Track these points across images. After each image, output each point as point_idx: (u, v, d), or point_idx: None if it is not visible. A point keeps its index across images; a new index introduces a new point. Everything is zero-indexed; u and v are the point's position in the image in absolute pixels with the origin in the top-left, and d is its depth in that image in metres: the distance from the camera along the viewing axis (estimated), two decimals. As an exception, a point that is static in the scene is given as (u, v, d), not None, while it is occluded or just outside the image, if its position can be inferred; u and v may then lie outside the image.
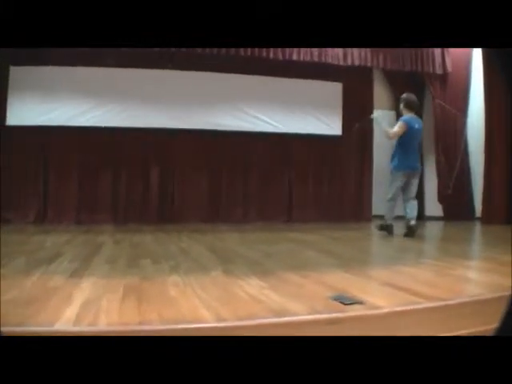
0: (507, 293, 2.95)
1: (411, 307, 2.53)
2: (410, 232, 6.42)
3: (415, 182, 6.72)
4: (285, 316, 2.31)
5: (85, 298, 2.68)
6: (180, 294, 2.80)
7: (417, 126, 6.62)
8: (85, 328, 2.15)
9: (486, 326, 2.59)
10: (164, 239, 6.05)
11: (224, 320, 2.27)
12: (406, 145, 6.55)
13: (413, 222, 6.45)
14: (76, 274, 3.45)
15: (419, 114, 6.81)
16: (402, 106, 6.82)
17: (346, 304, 2.52)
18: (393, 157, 6.76)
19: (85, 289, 2.93)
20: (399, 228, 6.67)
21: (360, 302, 2.54)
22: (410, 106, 6.71)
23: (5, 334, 1.92)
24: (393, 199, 6.72)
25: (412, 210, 6.58)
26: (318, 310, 2.38)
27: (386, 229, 6.72)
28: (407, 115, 6.66)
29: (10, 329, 2.01)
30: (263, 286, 2.99)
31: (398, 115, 10.14)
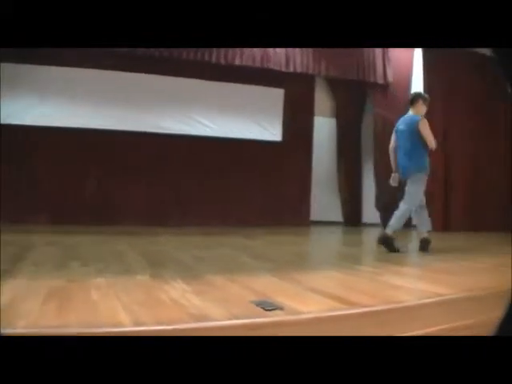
0: (430, 300, 3.01)
1: (330, 313, 2.54)
2: (423, 246, 5.81)
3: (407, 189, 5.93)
4: (203, 321, 2.29)
5: (5, 301, 2.61)
6: (102, 297, 2.76)
7: (401, 126, 5.99)
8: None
9: (408, 332, 2.63)
10: (98, 241, 5.97)
11: (142, 324, 2.23)
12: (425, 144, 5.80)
13: (425, 235, 5.87)
14: (2, 275, 3.36)
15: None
16: (421, 101, 5.93)
17: (267, 310, 2.51)
18: (411, 157, 5.83)
19: (6, 291, 2.86)
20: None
21: (281, 308, 2.54)
22: (410, 102, 6.03)
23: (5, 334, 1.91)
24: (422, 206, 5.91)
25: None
26: (237, 316, 2.37)
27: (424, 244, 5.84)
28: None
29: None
30: (187, 291, 2.97)
31: (339, 122, 10.33)
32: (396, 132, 6.01)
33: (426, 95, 6.03)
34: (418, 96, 5.99)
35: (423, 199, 5.89)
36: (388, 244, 5.64)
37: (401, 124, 5.97)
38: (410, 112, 5.94)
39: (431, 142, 5.72)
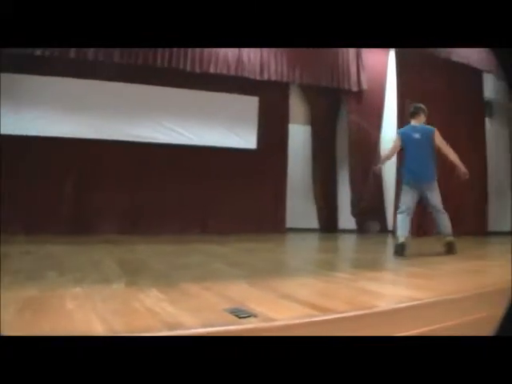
0: (404, 305, 3.04)
1: (304, 320, 2.55)
2: (449, 249, 5.94)
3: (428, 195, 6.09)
4: (177, 329, 2.29)
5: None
6: (77, 307, 2.74)
7: (416, 135, 6.09)
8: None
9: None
10: (76, 251, 5.92)
11: (116, 333, 2.23)
12: (405, 155, 6.19)
13: (449, 238, 5.98)
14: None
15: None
16: (423, 115, 6.22)
17: (241, 317, 2.51)
18: (428, 165, 6.09)
19: (-21, 302, 2.84)
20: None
21: (255, 315, 2.54)
22: (410, 114, 6.27)
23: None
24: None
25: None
26: (211, 323, 2.37)
27: (399, 249, 5.84)
28: (407, 125, 6.29)
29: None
30: (162, 299, 2.96)
31: (314, 130, 10.38)
32: (406, 140, 6.14)
33: (425, 107, 6.25)
34: (420, 109, 6.20)
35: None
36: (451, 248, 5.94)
37: (414, 133, 6.10)
38: (414, 123, 6.17)
39: (451, 151, 6.07)
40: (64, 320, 2.46)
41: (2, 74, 7.71)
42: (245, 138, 9.65)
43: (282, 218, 10.00)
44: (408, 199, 6.02)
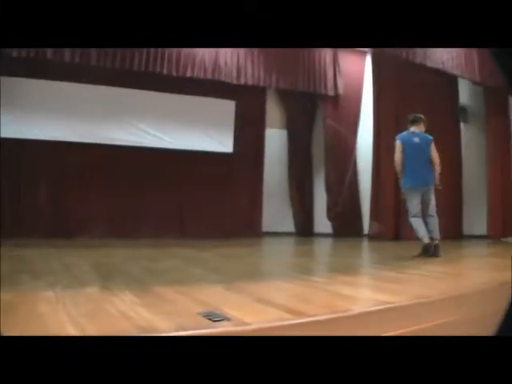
0: (376, 308, 3.06)
1: (276, 324, 2.55)
2: (436, 251, 6.03)
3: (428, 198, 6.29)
4: (150, 333, 2.28)
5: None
6: (50, 310, 2.72)
7: (416, 139, 6.30)
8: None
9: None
10: (51, 254, 5.86)
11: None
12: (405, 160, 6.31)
13: (436, 241, 6.10)
14: None
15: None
16: (422, 124, 6.45)
17: (214, 321, 2.51)
18: (429, 169, 6.30)
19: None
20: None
21: (228, 319, 2.55)
22: (410, 121, 6.47)
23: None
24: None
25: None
26: (185, 327, 2.37)
27: (430, 248, 6.06)
28: (405, 131, 6.46)
29: None
30: (136, 303, 2.95)
31: (290, 134, 10.42)
32: (408, 145, 6.31)
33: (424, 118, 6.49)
34: (420, 118, 6.43)
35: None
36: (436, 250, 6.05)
37: (413, 137, 6.32)
38: (414, 129, 6.37)
39: (438, 164, 6.32)
40: (36, 324, 2.44)
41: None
42: (221, 142, 9.65)
43: (258, 222, 10.02)
44: (417, 202, 6.21)
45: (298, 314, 2.76)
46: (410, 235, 7.79)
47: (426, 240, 6.01)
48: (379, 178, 9.47)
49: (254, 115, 10.04)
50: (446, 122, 9.66)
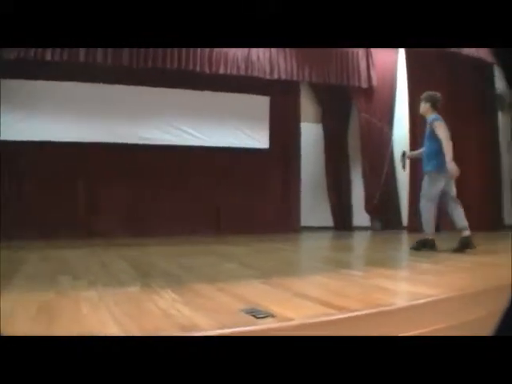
0: (418, 301, 3.02)
1: (321, 319, 2.54)
2: (465, 244, 5.75)
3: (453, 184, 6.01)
4: (193, 331, 2.28)
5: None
6: (92, 310, 2.75)
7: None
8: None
9: (401, 333, 2.64)
10: (90, 254, 5.93)
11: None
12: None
13: (467, 233, 5.80)
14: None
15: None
16: (427, 105, 6.13)
17: (258, 317, 2.50)
18: (430, 158, 6.06)
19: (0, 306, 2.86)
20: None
21: (272, 315, 2.54)
22: (435, 105, 6.10)
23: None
24: (432, 202, 5.98)
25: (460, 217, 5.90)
26: (227, 325, 2.36)
27: (426, 244, 5.93)
28: (434, 115, 6.05)
29: None
30: (176, 300, 2.96)
31: (325, 128, 10.36)
32: None
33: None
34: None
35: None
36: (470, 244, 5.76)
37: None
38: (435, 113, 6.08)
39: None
40: (80, 324, 2.47)
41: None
42: (257, 138, 9.65)
43: (296, 217, 10.00)
44: (439, 189, 5.99)
45: (337, 308, 2.74)
46: (450, 226, 7.74)
47: (466, 233, 5.76)
48: (416, 168, 9.35)
49: (288, 110, 10.01)
50: (481, 109, 9.50)
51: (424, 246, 5.88)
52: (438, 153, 5.88)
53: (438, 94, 6.19)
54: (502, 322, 1.81)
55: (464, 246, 5.70)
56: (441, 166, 5.86)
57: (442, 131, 5.85)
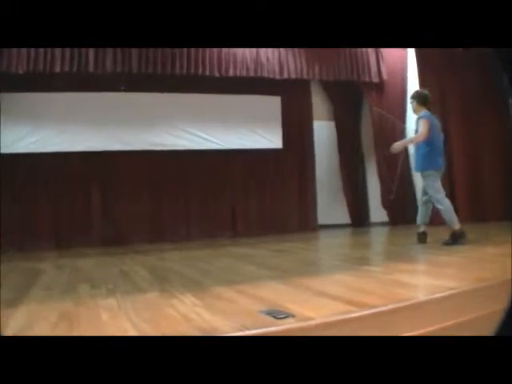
0: (440, 295, 2.99)
1: (342, 317, 2.52)
2: (422, 238, 6.13)
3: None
4: (213, 334, 2.27)
5: (17, 327, 2.61)
6: (112, 318, 2.75)
7: (435, 121, 6.08)
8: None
9: (424, 328, 2.61)
10: (106, 262, 5.97)
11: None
12: (434, 142, 5.95)
13: (424, 228, 6.18)
14: (13, 302, 3.37)
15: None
16: (415, 102, 6.18)
17: (278, 318, 2.49)
18: (423, 158, 6.00)
19: (19, 317, 2.87)
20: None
21: (293, 315, 2.52)
22: (424, 102, 6.10)
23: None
24: (443, 196, 5.98)
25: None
26: (247, 327, 2.35)
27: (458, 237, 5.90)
28: (423, 111, 6.04)
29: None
30: (196, 304, 2.96)
31: (338, 124, 10.33)
32: (433, 126, 6.04)
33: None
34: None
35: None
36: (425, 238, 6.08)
37: (434, 118, 6.10)
38: (424, 110, 6.09)
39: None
40: (99, 331, 2.46)
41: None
42: (270, 139, 9.64)
43: (312, 216, 9.99)
44: (439, 186, 5.98)
45: (359, 305, 2.72)
46: (465, 218, 7.70)
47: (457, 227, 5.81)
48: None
49: (300, 109, 10.03)
50: (497, 103, 9.41)
51: (457, 239, 5.78)
52: (433, 151, 5.92)
53: (426, 91, 6.26)
54: (503, 322, 1.80)
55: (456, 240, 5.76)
56: (439, 164, 5.97)
57: (421, 127, 5.87)
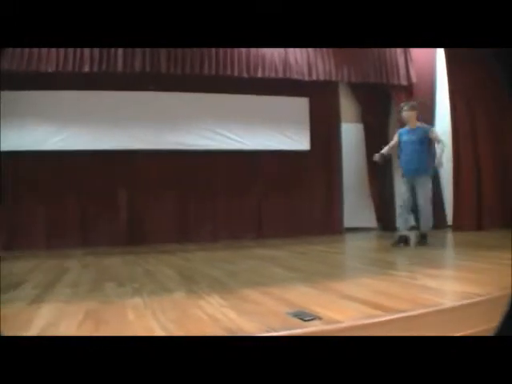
0: (467, 301, 2.96)
1: (370, 321, 2.51)
2: (422, 241, 6.73)
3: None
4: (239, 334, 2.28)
5: (43, 324, 2.64)
6: (138, 317, 2.77)
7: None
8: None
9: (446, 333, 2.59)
10: (132, 261, 6.00)
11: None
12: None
13: (424, 231, 6.81)
14: (38, 299, 3.41)
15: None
16: (414, 113, 6.87)
17: (305, 320, 2.49)
18: (424, 163, 6.66)
19: (44, 314, 2.90)
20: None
21: (320, 318, 2.52)
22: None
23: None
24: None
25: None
26: (274, 328, 2.35)
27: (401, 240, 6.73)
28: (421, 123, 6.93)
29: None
30: (223, 305, 2.97)
31: (366, 127, 10.27)
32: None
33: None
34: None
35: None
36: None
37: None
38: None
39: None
40: (126, 332, 2.48)
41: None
42: (298, 140, 9.61)
43: (338, 219, 9.94)
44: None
45: (385, 309, 2.71)
46: (493, 224, 7.61)
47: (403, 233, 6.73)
48: (460, 166, 9.22)
49: (328, 111, 9.98)
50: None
51: (402, 242, 6.64)
52: (428, 157, 6.60)
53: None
54: (503, 322, 1.78)
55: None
56: (431, 170, 6.72)
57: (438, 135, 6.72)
